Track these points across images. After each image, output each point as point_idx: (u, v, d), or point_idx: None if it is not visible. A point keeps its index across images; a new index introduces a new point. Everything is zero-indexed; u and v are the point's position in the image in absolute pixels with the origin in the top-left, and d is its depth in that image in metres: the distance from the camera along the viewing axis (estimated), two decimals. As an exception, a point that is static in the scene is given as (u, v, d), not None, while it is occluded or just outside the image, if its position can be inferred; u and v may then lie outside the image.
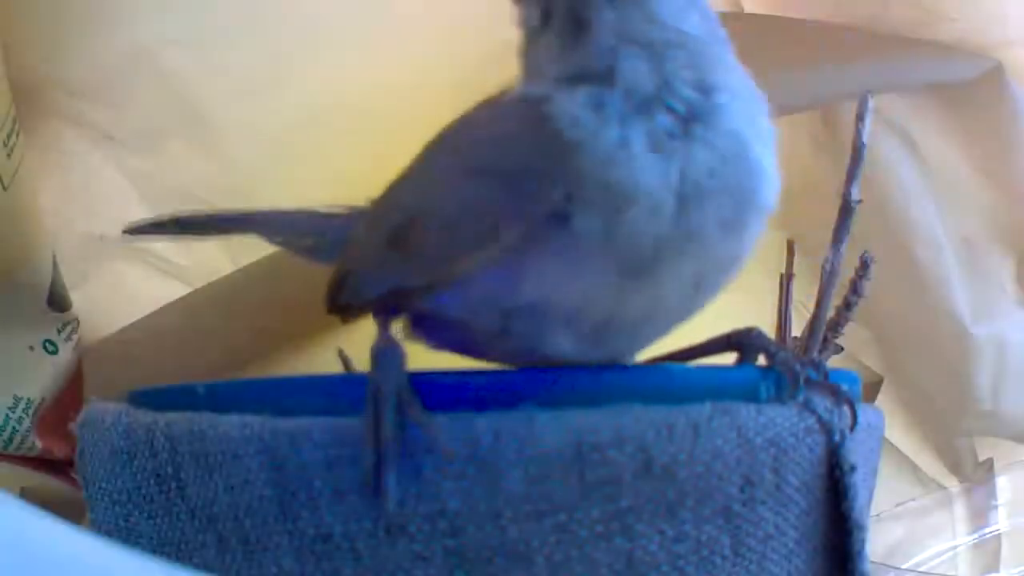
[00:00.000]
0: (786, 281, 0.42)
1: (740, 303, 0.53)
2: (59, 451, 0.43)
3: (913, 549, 0.54)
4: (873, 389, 0.52)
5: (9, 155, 0.39)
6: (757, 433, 0.27)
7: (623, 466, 0.25)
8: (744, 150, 0.26)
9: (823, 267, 0.36)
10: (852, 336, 0.43)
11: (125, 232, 0.39)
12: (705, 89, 0.26)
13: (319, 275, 0.33)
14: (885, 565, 0.53)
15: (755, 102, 0.27)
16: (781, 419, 0.27)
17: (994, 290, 0.48)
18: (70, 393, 0.43)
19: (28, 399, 0.41)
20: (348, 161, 0.43)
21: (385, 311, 0.29)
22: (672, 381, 0.28)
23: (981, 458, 0.53)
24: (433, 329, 0.29)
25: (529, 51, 0.28)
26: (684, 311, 0.28)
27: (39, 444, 0.42)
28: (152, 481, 0.29)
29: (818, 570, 0.29)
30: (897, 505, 0.54)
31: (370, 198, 0.33)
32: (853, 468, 0.28)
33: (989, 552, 0.54)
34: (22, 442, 0.42)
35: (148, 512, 0.29)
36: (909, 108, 0.47)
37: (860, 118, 0.35)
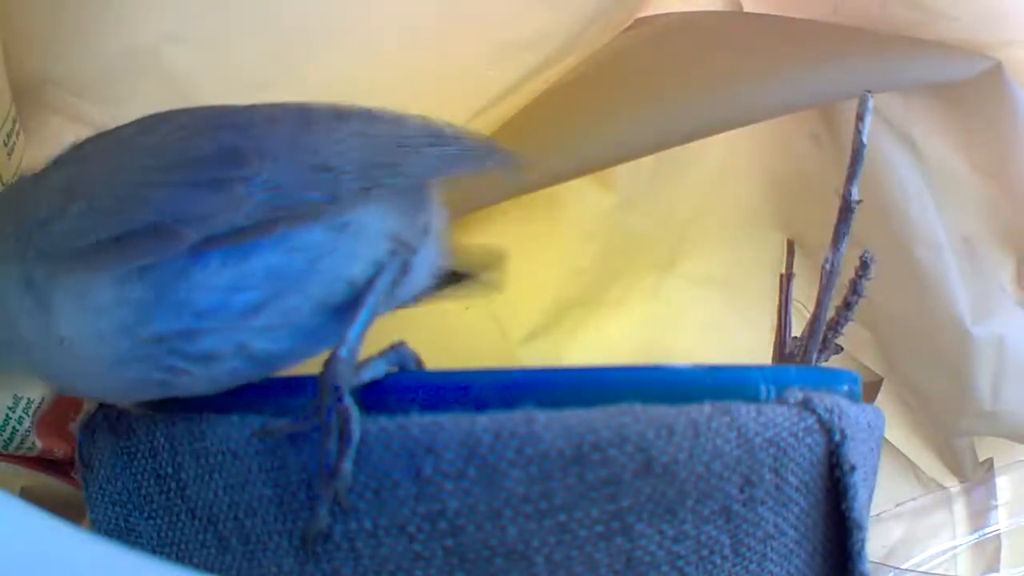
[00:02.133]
0: (786, 281, 0.42)
1: (740, 303, 0.54)
2: (59, 451, 0.43)
3: (913, 549, 0.54)
4: (873, 389, 0.52)
5: (9, 155, 0.39)
6: (757, 433, 0.27)
7: (623, 466, 0.25)
8: None
9: (823, 267, 0.36)
10: (852, 336, 0.43)
11: None
12: None
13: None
14: (885, 565, 0.53)
15: None
16: (781, 419, 0.27)
17: (994, 290, 0.48)
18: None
19: (28, 399, 0.41)
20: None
21: None
22: (672, 381, 0.28)
23: (981, 458, 0.53)
24: None
25: None
26: None
27: (39, 444, 0.42)
28: (152, 481, 0.29)
29: (818, 570, 0.29)
30: (897, 505, 0.54)
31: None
32: (853, 468, 0.28)
33: (989, 552, 0.54)
34: (22, 442, 0.42)
35: (148, 512, 0.29)
36: (909, 108, 0.47)
37: (860, 118, 0.35)
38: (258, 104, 0.29)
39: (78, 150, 0.28)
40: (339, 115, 0.29)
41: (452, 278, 0.35)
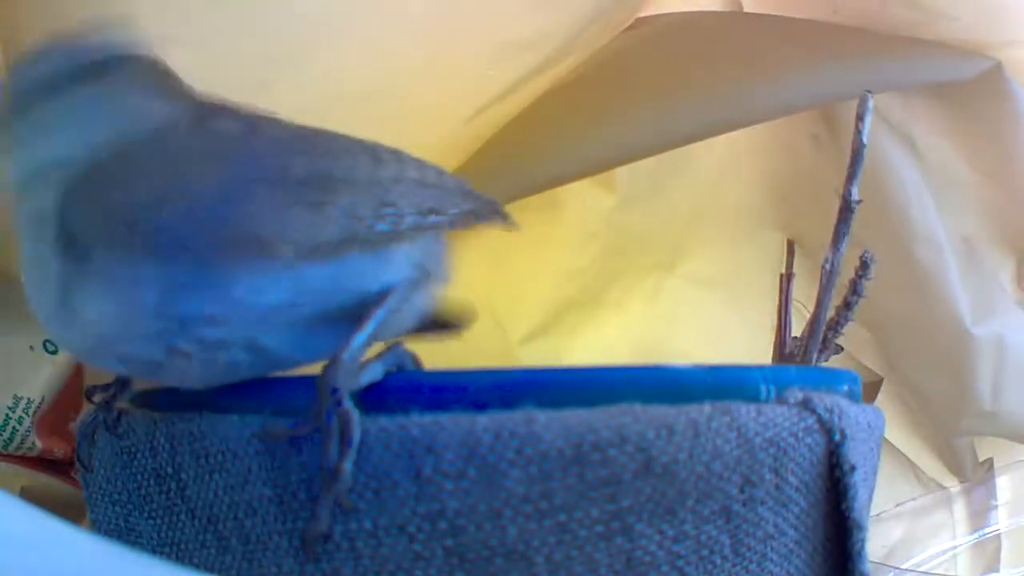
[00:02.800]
0: (786, 281, 0.42)
1: (740, 303, 0.54)
2: (59, 451, 0.43)
3: (913, 549, 0.54)
4: (873, 389, 0.52)
5: (9, 155, 0.39)
6: (757, 433, 0.27)
7: (623, 466, 0.25)
8: None
9: (823, 267, 0.36)
10: (852, 336, 0.43)
11: None
12: None
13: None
14: (885, 565, 0.53)
15: None
16: (781, 419, 0.27)
17: (994, 290, 0.48)
18: (70, 393, 0.43)
19: (28, 399, 0.41)
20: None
21: None
22: (672, 381, 0.28)
23: (981, 458, 0.53)
24: None
25: None
26: None
27: (39, 444, 0.42)
28: (152, 481, 0.29)
29: (818, 570, 0.29)
30: (897, 505, 0.54)
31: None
32: (853, 468, 0.28)
33: (989, 552, 0.54)
34: (22, 442, 0.42)
35: (148, 512, 0.29)
36: (909, 108, 0.47)
37: (860, 118, 0.35)
38: (326, 131, 0.30)
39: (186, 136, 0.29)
40: (400, 159, 0.31)
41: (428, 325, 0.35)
